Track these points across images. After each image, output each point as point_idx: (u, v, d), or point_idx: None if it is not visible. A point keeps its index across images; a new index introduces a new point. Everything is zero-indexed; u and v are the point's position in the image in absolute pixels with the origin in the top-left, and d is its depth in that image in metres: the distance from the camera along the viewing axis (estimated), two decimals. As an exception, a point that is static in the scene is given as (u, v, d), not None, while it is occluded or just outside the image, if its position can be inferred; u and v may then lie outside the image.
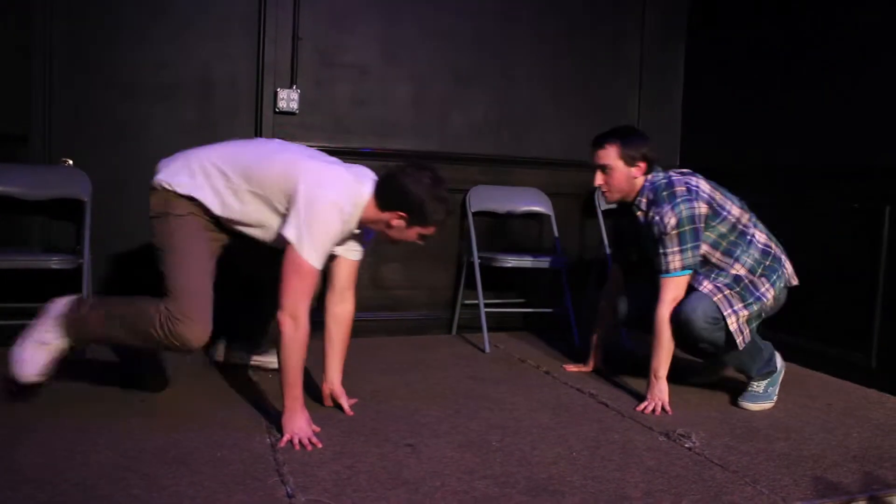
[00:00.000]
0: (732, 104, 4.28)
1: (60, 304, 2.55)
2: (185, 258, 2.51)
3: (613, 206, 3.82)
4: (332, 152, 3.86)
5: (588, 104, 4.42)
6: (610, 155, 2.97)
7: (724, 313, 2.82)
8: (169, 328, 2.42)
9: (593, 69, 4.45)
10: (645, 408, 2.87)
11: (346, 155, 3.91)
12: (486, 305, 3.93)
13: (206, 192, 2.53)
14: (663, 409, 2.86)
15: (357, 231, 2.60)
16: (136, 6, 3.66)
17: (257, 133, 3.82)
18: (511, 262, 3.88)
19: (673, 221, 2.83)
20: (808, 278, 3.20)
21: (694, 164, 4.50)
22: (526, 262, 3.92)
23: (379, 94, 4.03)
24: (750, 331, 2.91)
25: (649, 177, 2.98)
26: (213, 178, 2.53)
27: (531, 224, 4.38)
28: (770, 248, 2.99)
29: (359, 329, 4.06)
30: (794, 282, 3.06)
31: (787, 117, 3.92)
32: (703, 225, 2.89)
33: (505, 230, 4.30)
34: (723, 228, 2.94)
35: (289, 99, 3.81)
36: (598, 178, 3.02)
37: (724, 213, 2.94)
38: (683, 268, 2.88)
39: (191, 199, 2.53)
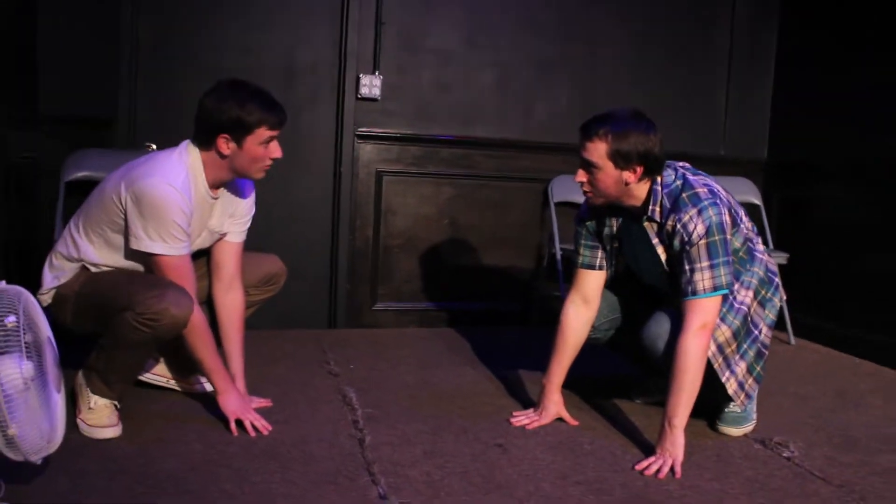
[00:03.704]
0: (826, 94, 4.07)
1: (78, 376, 2.39)
2: (114, 277, 2.35)
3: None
4: (413, 139, 3.91)
5: (675, 93, 4.27)
6: (598, 151, 2.27)
7: (722, 379, 2.41)
8: (149, 316, 2.16)
9: (681, 57, 4.30)
10: (648, 466, 2.24)
11: (428, 143, 3.93)
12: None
13: (66, 272, 2.41)
14: (672, 470, 2.22)
15: (215, 198, 2.43)
16: (221, -7, 3.67)
17: (339, 120, 3.79)
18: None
19: (701, 229, 2.25)
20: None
21: (783, 157, 4.38)
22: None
23: (462, 81, 3.96)
24: (754, 378, 2.50)
25: (660, 179, 2.35)
26: (70, 249, 2.41)
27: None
28: (772, 264, 2.54)
29: (434, 319, 4.12)
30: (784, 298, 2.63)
31: (884, 108, 3.71)
32: (730, 237, 2.33)
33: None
34: (737, 242, 2.41)
35: (371, 85, 3.76)
36: (580, 175, 2.34)
37: (740, 223, 2.42)
38: (715, 288, 2.26)
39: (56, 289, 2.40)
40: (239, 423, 2.37)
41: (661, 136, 2.31)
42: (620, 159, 2.27)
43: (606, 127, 2.27)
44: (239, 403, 2.40)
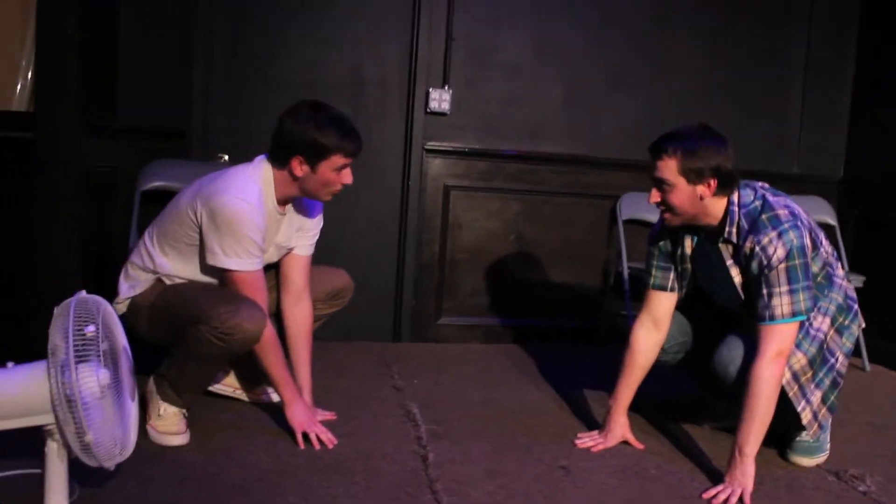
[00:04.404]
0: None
1: (150, 383, 2.42)
2: (189, 290, 2.39)
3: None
4: (481, 154, 3.90)
5: (747, 108, 4.18)
6: (669, 169, 2.24)
7: (798, 408, 2.35)
8: (223, 330, 2.20)
9: (754, 72, 4.20)
10: (717, 495, 2.17)
11: (495, 157, 3.92)
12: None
13: (142, 283, 2.46)
14: (740, 499, 2.15)
15: (282, 214, 2.45)
16: (294, 6, 3.70)
17: (407, 134, 3.81)
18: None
19: (781, 252, 2.19)
20: None
21: (860, 175, 4.24)
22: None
23: (530, 95, 3.94)
24: (828, 408, 2.43)
25: (736, 198, 2.31)
26: (145, 260, 2.46)
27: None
28: (851, 290, 2.47)
29: (498, 334, 4.10)
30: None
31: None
32: (810, 261, 2.27)
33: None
34: (816, 266, 2.32)
35: (440, 99, 3.77)
36: (654, 196, 2.31)
37: (820, 247, 2.36)
38: (794, 314, 2.20)
39: (132, 298, 2.45)
40: (305, 435, 2.39)
41: (733, 150, 2.27)
42: (693, 174, 2.23)
43: (675, 143, 2.24)
44: (306, 416, 2.42)
